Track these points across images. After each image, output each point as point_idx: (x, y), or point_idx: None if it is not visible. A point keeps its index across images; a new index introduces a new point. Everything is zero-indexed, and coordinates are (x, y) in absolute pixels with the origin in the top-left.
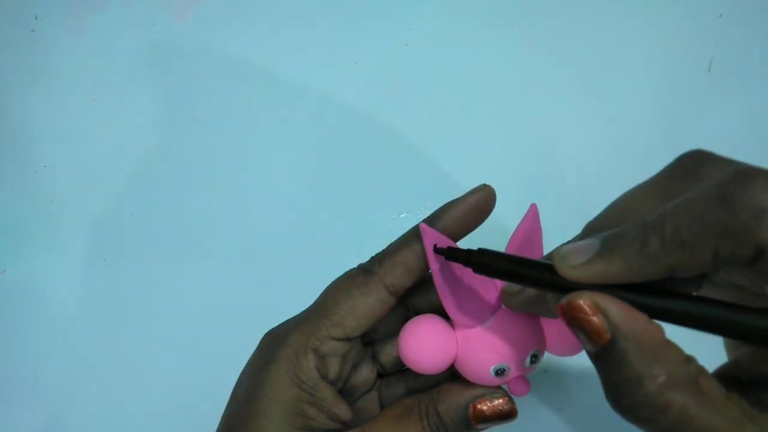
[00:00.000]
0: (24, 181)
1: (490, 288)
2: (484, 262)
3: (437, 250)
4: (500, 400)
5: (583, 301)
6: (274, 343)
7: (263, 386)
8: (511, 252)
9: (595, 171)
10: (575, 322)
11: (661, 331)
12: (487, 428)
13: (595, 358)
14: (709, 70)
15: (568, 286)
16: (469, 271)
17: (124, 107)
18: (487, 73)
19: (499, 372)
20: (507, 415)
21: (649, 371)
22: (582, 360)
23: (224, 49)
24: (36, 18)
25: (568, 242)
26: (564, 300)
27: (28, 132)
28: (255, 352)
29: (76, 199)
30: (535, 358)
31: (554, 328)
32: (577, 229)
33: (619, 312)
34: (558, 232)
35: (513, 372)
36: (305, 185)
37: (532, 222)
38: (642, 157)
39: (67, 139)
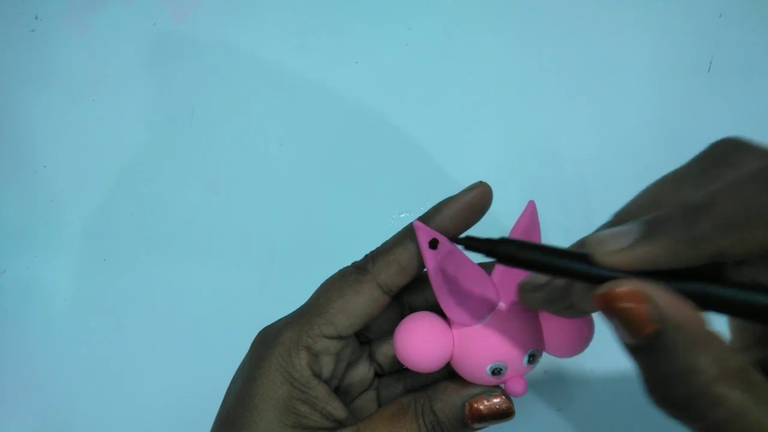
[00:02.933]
0: (24, 181)
1: (488, 285)
2: (509, 252)
3: (455, 240)
4: (497, 399)
5: (628, 289)
6: (266, 341)
7: (255, 384)
8: None
9: (596, 170)
10: (617, 312)
11: (705, 320)
12: (483, 427)
13: (635, 350)
14: (709, 70)
15: (600, 276)
16: (466, 268)
17: (124, 107)
18: (487, 73)
19: (496, 371)
20: (504, 414)
21: (701, 363)
22: (582, 360)
23: (224, 49)
24: (36, 18)
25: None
26: (603, 289)
27: (28, 132)
28: (249, 350)
29: (76, 199)
30: (532, 358)
31: (553, 328)
32: (578, 228)
33: (666, 300)
34: (558, 231)
35: (510, 371)
36: (305, 185)
37: (530, 219)
38: (642, 156)
39: (66, 139)
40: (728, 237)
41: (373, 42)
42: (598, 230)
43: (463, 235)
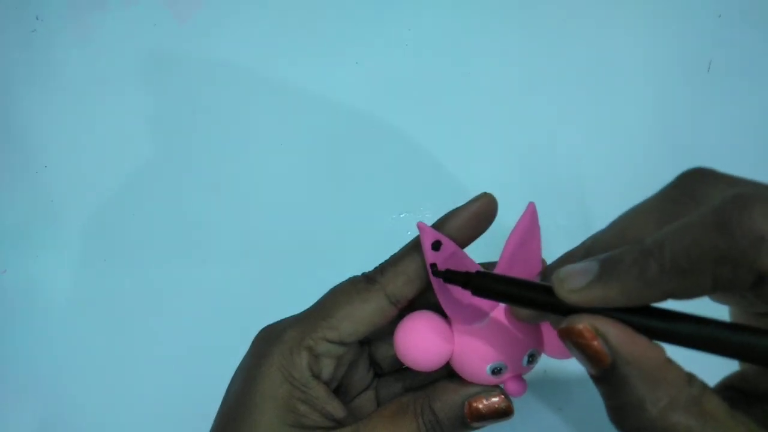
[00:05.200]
0: (25, 181)
1: None
2: (483, 285)
3: (435, 273)
4: (496, 398)
5: (583, 326)
6: (269, 338)
7: (256, 382)
8: (509, 250)
9: (595, 171)
10: (575, 346)
11: (661, 352)
12: (482, 426)
13: (597, 380)
14: (708, 71)
15: (567, 308)
16: (467, 269)
17: (124, 108)
18: (487, 74)
19: (496, 371)
20: (503, 413)
21: (651, 395)
22: None
23: (225, 50)
24: (37, 19)
25: (567, 253)
26: (563, 324)
27: (29, 132)
28: (250, 347)
29: (77, 200)
30: (532, 358)
31: (552, 330)
32: (576, 229)
33: (618, 336)
34: (558, 232)
35: (509, 371)
36: (305, 185)
37: (530, 220)
38: (641, 157)
39: (67, 140)
40: (675, 282)
41: (374, 43)
42: (567, 254)
43: (443, 269)
